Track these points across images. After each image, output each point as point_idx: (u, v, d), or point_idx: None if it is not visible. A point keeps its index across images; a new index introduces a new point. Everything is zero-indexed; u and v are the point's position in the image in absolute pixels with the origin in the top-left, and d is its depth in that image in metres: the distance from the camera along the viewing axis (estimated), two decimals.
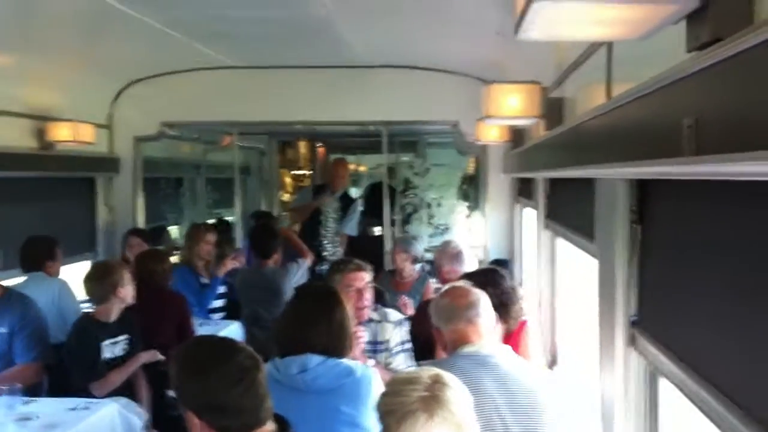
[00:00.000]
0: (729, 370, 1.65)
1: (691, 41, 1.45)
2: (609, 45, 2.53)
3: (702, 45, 1.40)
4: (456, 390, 2.13)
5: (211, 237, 6.25)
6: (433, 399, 2.06)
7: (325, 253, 7.48)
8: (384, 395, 2.16)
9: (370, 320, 3.97)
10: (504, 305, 3.52)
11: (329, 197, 7.69)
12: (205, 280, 6.16)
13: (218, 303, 6.24)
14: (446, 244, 5.58)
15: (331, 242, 7.66)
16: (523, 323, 3.89)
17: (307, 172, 11.85)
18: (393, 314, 4.08)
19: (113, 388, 4.26)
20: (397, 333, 3.98)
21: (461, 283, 3.18)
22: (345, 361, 3.02)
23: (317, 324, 3.00)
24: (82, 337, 4.32)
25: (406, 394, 2.07)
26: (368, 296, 3.93)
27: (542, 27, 1.56)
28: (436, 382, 2.11)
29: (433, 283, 5.84)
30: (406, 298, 5.28)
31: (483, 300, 3.01)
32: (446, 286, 3.27)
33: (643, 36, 1.56)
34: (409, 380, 2.13)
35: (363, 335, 3.76)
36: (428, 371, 2.19)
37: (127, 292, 4.44)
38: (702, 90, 1.41)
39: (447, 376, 2.17)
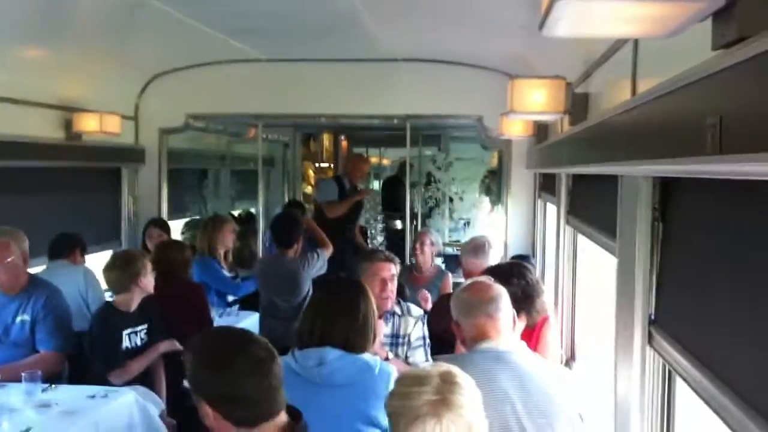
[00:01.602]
0: (746, 373, 1.64)
1: (716, 39, 1.45)
2: (635, 41, 2.52)
3: (727, 43, 1.40)
4: (466, 390, 2.10)
5: (232, 227, 6.30)
6: (442, 402, 2.03)
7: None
8: (392, 396, 2.13)
9: (393, 313, 4.00)
10: (529, 297, 3.51)
11: (368, 192, 7.73)
12: (225, 272, 6.20)
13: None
14: (472, 239, 5.55)
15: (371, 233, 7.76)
16: (545, 318, 3.89)
17: (330, 165, 11.89)
18: (415, 309, 4.10)
19: (132, 377, 4.31)
20: (418, 328, 4.00)
21: (483, 278, 3.15)
22: (364, 356, 3.01)
23: (340, 317, 3.01)
24: (104, 326, 4.36)
25: (415, 395, 2.04)
26: (392, 288, 3.95)
27: (568, 24, 1.57)
28: (446, 382, 2.08)
29: (453, 277, 5.85)
30: (426, 292, 5.29)
31: (504, 296, 2.99)
32: (468, 281, 3.26)
33: (668, 34, 1.56)
34: (418, 380, 2.10)
35: (383, 328, 3.78)
36: (439, 368, 2.15)
37: (148, 282, 4.48)
38: (726, 88, 1.41)
39: (458, 374, 2.14)
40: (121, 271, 4.43)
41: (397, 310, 4.03)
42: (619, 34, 1.91)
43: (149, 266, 4.51)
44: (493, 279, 3.13)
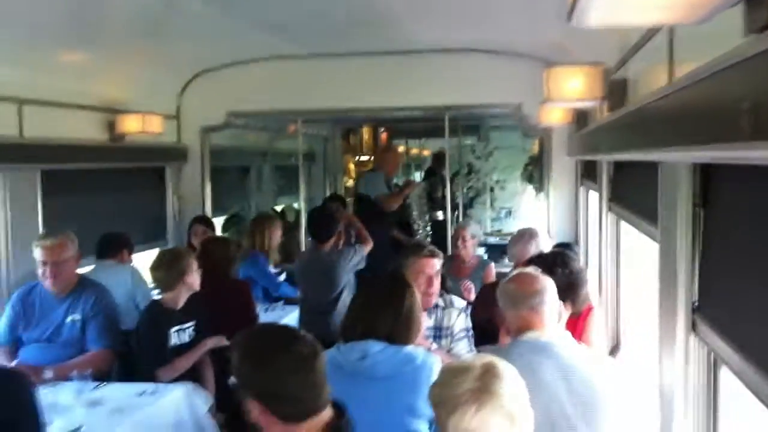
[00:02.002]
0: None
1: (748, 24, 1.43)
2: (670, 26, 2.48)
3: (759, 28, 1.37)
4: (508, 380, 2.11)
5: (280, 224, 6.38)
6: (482, 390, 2.04)
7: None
8: (435, 386, 2.16)
9: (436, 306, 4.01)
10: (573, 286, 3.51)
11: (418, 184, 7.80)
12: (271, 268, 6.29)
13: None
14: (521, 232, 5.50)
15: (418, 224, 7.80)
16: (590, 308, 3.87)
17: (370, 158, 11.91)
18: (458, 301, 4.11)
19: (179, 374, 4.37)
20: (461, 319, 4.01)
21: (530, 269, 3.16)
22: (406, 348, 3.04)
23: (383, 311, 3.04)
24: (151, 324, 4.44)
25: (456, 385, 2.06)
26: (437, 283, 3.96)
27: (596, 13, 1.54)
28: (487, 372, 2.09)
29: (499, 266, 5.84)
30: (469, 283, 5.28)
31: (549, 288, 3.00)
32: (515, 271, 3.25)
33: (700, 20, 1.54)
34: (460, 370, 2.12)
35: (427, 321, 3.80)
36: (482, 359, 2.17)
37: (194, 279, 4.55)
38: (759, 73, 1.38)
39: (500, 365, 2.15)
40: (167, 269, 4.50)
41: (440, 302, 4.04)
42: (651, 21, 1.88)
43: (195, 264, 4.58)
44: (540, 270, 3.14)
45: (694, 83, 1.85)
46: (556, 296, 3.05)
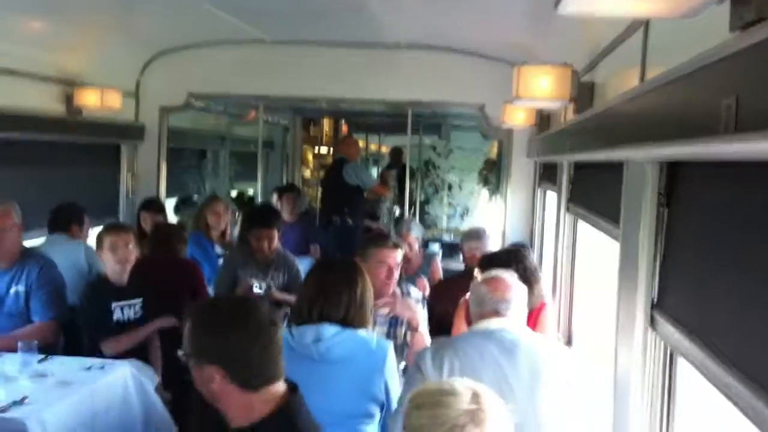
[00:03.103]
0: (750, 351, 1.66)
1: (734, 21, 1.45)
2: (645, 28, 2.52)
3: (746, 24, 1.40)
4: (496, 399, 2.08)
5: (219, 207, 6.29)
6: (481, 412, 1.99)
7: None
8: (420, 407, 2.03)
9: (393, 295, 4.02)
10: (527, 283, 3.59)
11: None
12: (218, 250, 6.21)
13: None
14: (471, 230, 5.60)
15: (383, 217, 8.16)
16: (543, 305, 3.93)
17: (329, 150, 11.89)
18: (414, 291, 4.15)
19: (125, 350, 4.33)
20: (417, 310, 4.02)
21: (506, 274, 3.25)
22: (360, 332, 3.06)
23: (339, 295, 3.04)
24: (92, 296, 4.43)
25: (451, 405, 1.99)
26: (396, 274, 3.96)
27: (583, 1, 1.56)
28: (479, 395, 2.03)
29: (453, 263, 5.86)
30: (424, 279, 5.31)
31: (519, 297, 3.13)
32: (491, 273, 3.30)
33: (686, 14, 1.56)
34: (447, 391, 2.04)
35: (383, 309, 3.81)
36: (463, 383, 2.10)
37: (129, 254, 4.48)
38: (744, 69, 1.41)
39: (483, 387, 2.11)
40: None
41: (397, 291, 4.04)
42: (635, 13, 1.90)
43: (132, 240, 4.52)
44: (515, 275, 3.26)
45: (672, 81, 1.88)
46: (525, 306, 3.18)
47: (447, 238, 7.67)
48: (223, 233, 6.35)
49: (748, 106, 1.37)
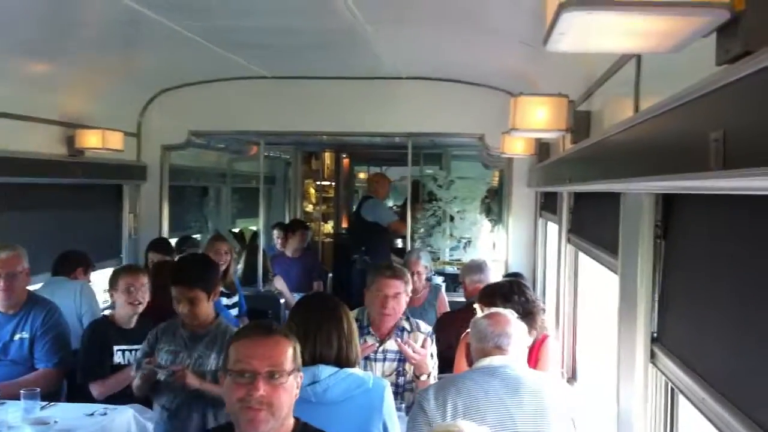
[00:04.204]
0: (749, 390, 1.63)
1: (720, 54, 1.45)
2: (638, 59, 2.52)
3: (732, 58, 1.40)
4: None
5: (222, 247, 6.24)
6: None
7: None
8: None
9: (402, 329, 3.99)
10: (530, 314, 3.63)
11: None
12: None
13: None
14: (472, 262, 5.57)
15: None
16: (545, 337, 3.90)
17: (331, 183, 11.89)
18: (423, 326, 4.10)
19: (113, 392, 4.26)
20: (425, 344, 3.99)
21: (508, 312, 3.27)
22: (356, 371, 3.03)
23: (328, 334, 3.00)
24: (93, 335, 4.38)
25: None
26: (395, 305, 3.92)
27: (572, 38, 1.57)
28: None
29: (455, 296, 5.82)
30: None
31: (519, 332, 3.15)
32: (493, 309, 3.34)
33: (673, 49, 1.56)
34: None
35: (392, 344, 3.78)
36: (468, 427, 2.19)
37: (143, 298, 4.47)
38: (731, 103, 1.40)
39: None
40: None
41: (406, 326, 4.03)
42: (624, 48, 1.90)
43: (146, 284, 4.50)
44: (516, 315, 3.28)
45: (661, 114, 1.88)
46: (525, 343, 3.22)
47: (450, 269, 7.61)
48: (225, 273, 6.30)
49: (735, 140, 1.36)
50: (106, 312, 4.83)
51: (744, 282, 1.71)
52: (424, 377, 3.80)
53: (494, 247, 8.00)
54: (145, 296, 4.47)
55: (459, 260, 7.81)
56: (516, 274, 5.48)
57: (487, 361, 3.04)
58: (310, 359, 2.94)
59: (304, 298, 3.40)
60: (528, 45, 4.30)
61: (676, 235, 2.31)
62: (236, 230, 9.72)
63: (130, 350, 4.40)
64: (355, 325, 3.14)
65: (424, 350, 3.85)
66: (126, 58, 5.59)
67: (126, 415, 3.98)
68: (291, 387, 2.29)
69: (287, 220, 9.62)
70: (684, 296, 2.22)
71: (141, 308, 4.45)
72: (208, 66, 6.16)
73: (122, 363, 4.38)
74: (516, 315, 3.28)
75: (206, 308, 3.86)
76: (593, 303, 4.45)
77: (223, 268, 6.18)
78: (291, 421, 2.33)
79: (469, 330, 4.03)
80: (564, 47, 1.59)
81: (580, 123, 3.60)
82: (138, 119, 6.95)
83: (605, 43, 1.64)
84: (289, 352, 2.30)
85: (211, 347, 3.81)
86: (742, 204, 1.66)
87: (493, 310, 3.34)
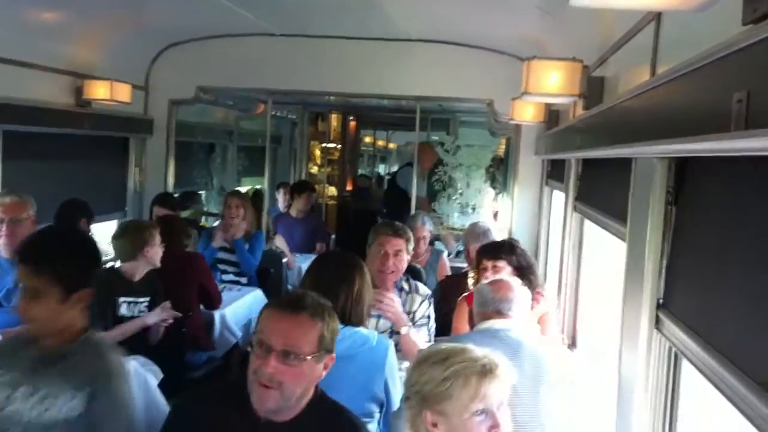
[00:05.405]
0: (756, 354, 1.63)
1: (748, 13, 1.43)
2: (657, 22, 2.49)
3: (760, 17, 1.38)
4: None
5: (231, 201, 6.27)
6: (495, 361, 2.18)
7: None
8: (440, 362, 2.19)
9: (401, 289, 3.99)
10: (530, 266, 3.71)
11: None
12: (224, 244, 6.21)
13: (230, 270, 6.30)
14: (473, 225, 5.57)
15: None
16: (538, 293, 3.90)
17: (337, 146, 11.86)
18: (422, 288, 4.10)
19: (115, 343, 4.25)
20: (423, 306, 4.00)
21: (511, 278, 3.34)
22: (361, 329, 3.05)
23: (336, 292, 3.00)
24: (99, 285, 4.32)
25: (469, 354, 2.17)
26: (395, 263, 3.91)
27: None
28: (487, 354, 2.23)
29: (457, 261, 5.83)
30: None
31: (522, 298, 3.19)
32: (497, 274, 3.47)
33: (699, 7, 1.54)
34: (461, 350, 2.23)
35: (395, 302, 3.77)
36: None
37: (155, 253, 4.50)
38: (756, 63, 1.39)
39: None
40: (131, 238, 4.46)
41: (405, 287, 4.02)
42: (650, 5, 1.88)
43: (158, 238, 4.52)
44: (522, 283, 3.34)
45: (681, 76, 1.86)
46: (528, 309, 3.26)
47: (458, 246, 7.58)
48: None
49: (759, 101, 1.35)
50: (116, 263, 4.84)
51: (753, 248, 1.71)
52: (404, 330, 3.74)
53: (495, 217, 7.99)
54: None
55: (463, 226, 7.79)
56: (511, 239, 5.48)
57: (487, 324, 3.09)
58: None
59: (325, 254, 3.42)
60: (544, 11, 4.26)
61: (687, 201, 2.30)
62: (243, 189, 9.72)
63: (136, 302, 4.42)
64: (368, 289, 3.15)
65: (396, 304, 3.78)
66: (135, 11, 5.53)
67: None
68: (310, 369, 2.22)
69: (292, 181, 9.62)
70: (692, 262, 2.22)
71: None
72: (217, 21, 6.11)
73: (126, 315, 4.40)
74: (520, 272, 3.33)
75: (60, 312, 2.55)
76: (595, 272, 4.45)
77: (236, 221, 6.21)
78: (311, 392, 2.31)
79: (466, 293, 4.07)
80: (588, 2, 1.57)
81: (593, 89, 3.57)
82: (146, 73, 6.91)
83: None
84: (313, 334, 2.22)
85: (70, 378, 2.45)
86: (757, 169, 1.65)
87: (498, 276, 3.38)
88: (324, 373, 2.30)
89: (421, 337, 3.91)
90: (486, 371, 2.12)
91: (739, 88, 1.42)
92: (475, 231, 5.34)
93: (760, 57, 1.37)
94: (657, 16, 2.51)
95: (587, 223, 4.41)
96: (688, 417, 2.36)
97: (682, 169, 2.33)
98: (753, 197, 1.74)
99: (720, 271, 1.95)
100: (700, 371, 1.96)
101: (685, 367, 2.28)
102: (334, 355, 2.35)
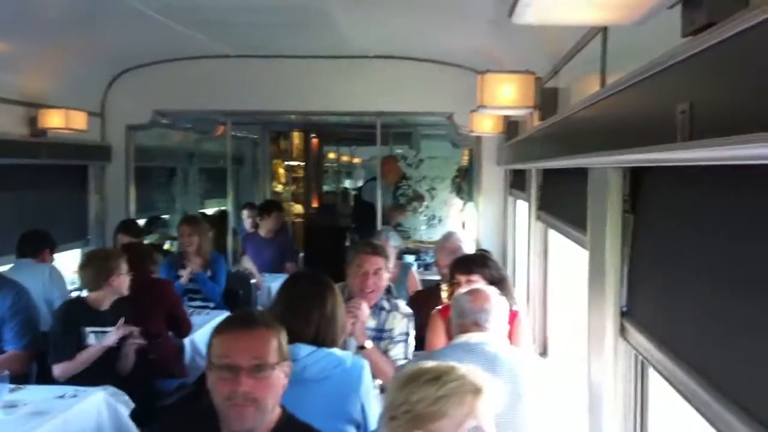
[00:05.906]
0: (718, 361, 1.64)
1: (686, 25, 1.44)
2: (604, 33, 2.52)
3: (697, 29, 1.39)
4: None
5: (183, 229, 6.16)
6: (483, 377, 2.10)
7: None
8: (433, 380, 2.08)
9: (381, 308, 3.97)
10: (504, 280, 3.74)
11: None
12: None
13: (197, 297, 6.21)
14: (446, 238, 5.53)
15: None
16: (515, 313, 3.92)
17: (299, 164, 11.82)
18: (403, 306, 4.08)
19: (75, 373, 4.21)
20: (402, 324, 3.98)
21: (489, 288, 3.33)
22: (335, 351, 3.00)
23: (308, 313, 2.98)
24: (65, 316, 4.33)
25: (460, 372, 2.09)
26: (375, 281, 3.89)
27: (537, 10, 1.55)
28: (473, 371, 2.13)
29: (428, 274, 5.81)
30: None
31: (499, 309, 3.19)
32: (472, 286, 3.42)
33: (639, 20, 1.55)
34: (450, 368, 2.13)
35: (369, 322, 3.75)
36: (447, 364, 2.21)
37: (122, 282, 4.43)
38: (696, 75, 1.40)
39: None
40: (96, 268, 4.39)
41: (386, 305, 4.00)
42: (589, 21, 1.90)
43: (124, 266, 4.45)
44: (499, 292, 3.34)
45: (627, 87, 1.87)
46: (505, 319, 3.25)
47: (427, 258, 7.57)
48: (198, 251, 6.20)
49: (702, 111, 1.36)
50: (82, 293, 4.75)
51: (711, 254, 1.71)
52: (369, 344, 3.71)
53: (464, 226, 8.01)
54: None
55: (430, 239, 7.80)
56: (483, 251, 5.48)
57: (464, 338, 3.08)
58: (290, 337, 2.93)
59: (295, 275, 3.39)
60: (495, 23, 4.29)
61: (644, 209, 2.31)
62: (209, 212, 9.65)
63: (104, 332, 4.34)
64: (341, 308, 3.12)
65: (362, 312, 3.72)
66: (87, 38, 5.48)
67: (97, 397, 3.94)
68: (277, 379, 2.24)
69: (257, 201, 9.55)
70: (653, 270, 2.23)
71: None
72: (171, 45, 6.07)
73: (95, 345, 4.32)
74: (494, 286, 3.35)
75: None
76: (562, 280, 4.48)
77: (191, 249, 6.12)
78: (278, 411, 2.30)
79: (438, 307, 4.06)
80: (529, 19, 1.58)
81: (547, 100, 3.60)
82: (102, 99, 6.84)
83: (570, 15, 1.62)
84: (274, 344, 2.25)
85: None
86: (708, 177, 1.67)
87: (474, 286, 3.38)
88: (286, 381, 2.30)
89: (399, 353, 3.90)
90: (479, 389, 2.10)
91: (682, 99, 1.43)
92: (446, 246, 5.30)
93: (700, 68, 1.38)
94: (603, 28, 2.53)
95: (552, 231, 4.43)
96: (661, 425, 2.37)
97: (639, 176, 2.34)
98: (704, 205, 1.75)
99: (678, 278, 1.96)
100: (665, 378, 1.97)
101: (653, 374, 2.28)
102: (290, 362, 2.38)
